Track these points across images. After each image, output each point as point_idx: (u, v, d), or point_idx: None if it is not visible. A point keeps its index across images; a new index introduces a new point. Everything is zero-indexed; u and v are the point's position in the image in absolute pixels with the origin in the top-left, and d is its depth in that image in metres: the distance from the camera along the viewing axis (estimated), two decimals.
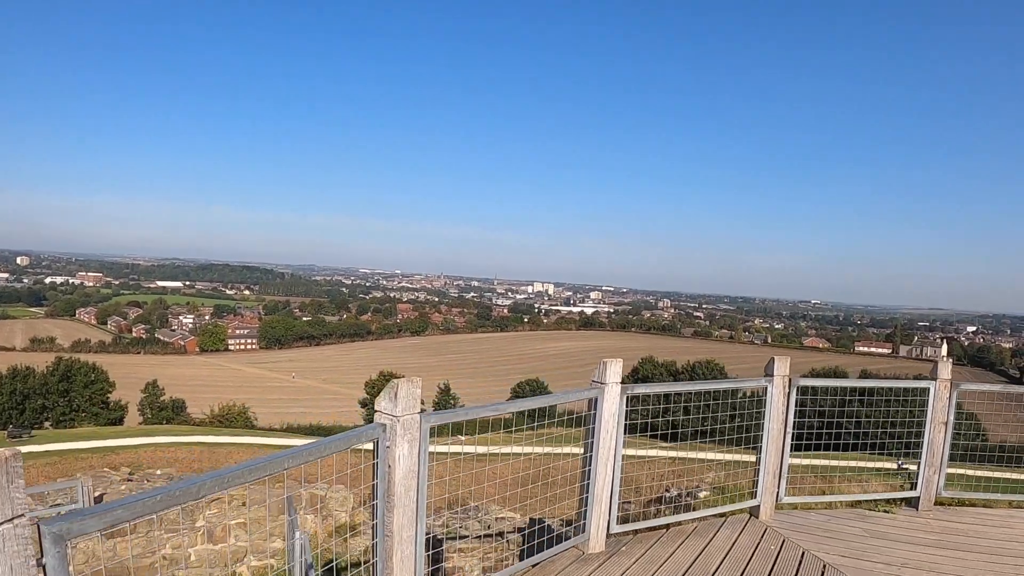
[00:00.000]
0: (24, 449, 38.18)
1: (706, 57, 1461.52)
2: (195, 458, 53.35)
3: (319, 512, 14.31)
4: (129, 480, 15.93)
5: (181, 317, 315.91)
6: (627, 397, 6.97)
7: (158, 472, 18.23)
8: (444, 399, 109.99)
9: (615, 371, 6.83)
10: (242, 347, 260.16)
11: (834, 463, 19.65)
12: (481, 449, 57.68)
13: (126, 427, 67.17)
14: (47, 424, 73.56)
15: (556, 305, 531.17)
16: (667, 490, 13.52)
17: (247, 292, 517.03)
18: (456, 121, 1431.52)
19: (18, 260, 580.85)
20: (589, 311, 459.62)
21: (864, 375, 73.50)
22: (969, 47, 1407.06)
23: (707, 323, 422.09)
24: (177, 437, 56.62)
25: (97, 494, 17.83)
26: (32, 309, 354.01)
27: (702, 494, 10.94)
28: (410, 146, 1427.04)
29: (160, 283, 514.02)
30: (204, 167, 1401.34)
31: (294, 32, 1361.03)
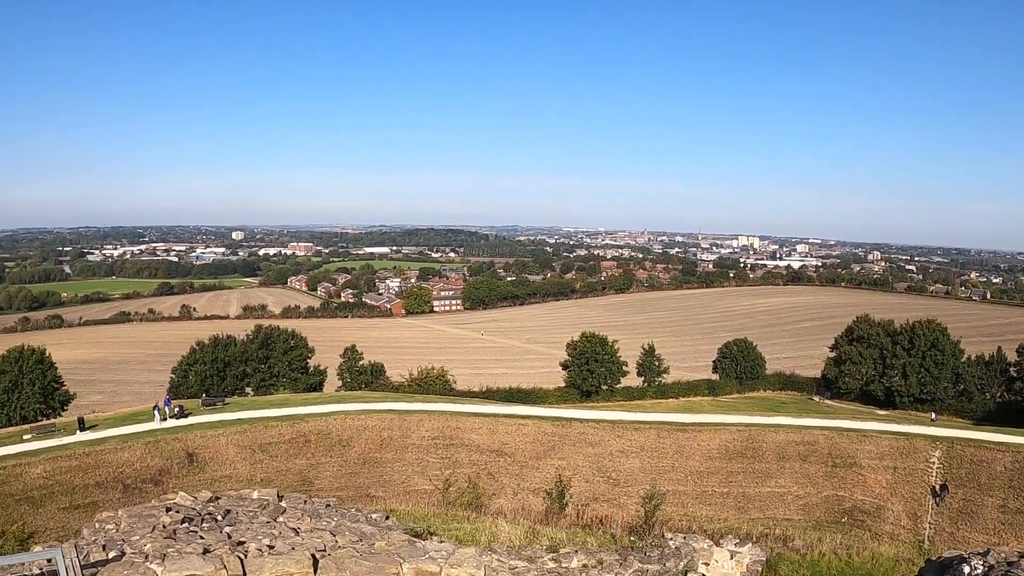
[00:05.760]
0: (215, 417, 35.70)
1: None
2: (385, 426, 50.37)
3: None
4: (187, 520, 9.44)
5: (388, 281, 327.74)
6: None
7: (255, 495, 12.95)
8: (648, 360, 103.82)
9: None
10: (447, 309, 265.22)
11: None
12: (687, 419, 49.97)
13: (317, 395, 66.01)
14: (248, 390, 75.07)
15: (762, 259, 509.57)
16: None
17: (452, 255, 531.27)
18: (656, 74, 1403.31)
19: (233, 235, 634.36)
20: (796, 265, 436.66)
21: None
22: None
23: (920, 277, 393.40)
24: (368, 404, 53.92)
25: (98, 558, 11.88)
26: (247, 279, 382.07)
27: None
28: (610, 103, 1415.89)
29: (368, 249, 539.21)
30: (408, 137, 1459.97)
31: None
